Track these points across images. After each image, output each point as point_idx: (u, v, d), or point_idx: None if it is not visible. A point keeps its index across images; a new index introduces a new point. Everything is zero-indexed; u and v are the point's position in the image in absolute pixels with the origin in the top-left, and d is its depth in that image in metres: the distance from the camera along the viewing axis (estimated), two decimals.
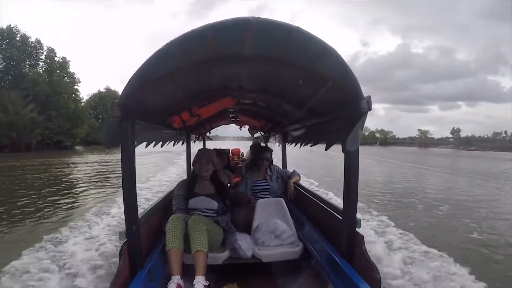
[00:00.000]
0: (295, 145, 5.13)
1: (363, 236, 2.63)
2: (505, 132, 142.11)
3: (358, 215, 2.68)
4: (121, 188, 2.50)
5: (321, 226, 3.47)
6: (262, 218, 3.58)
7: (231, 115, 5.88)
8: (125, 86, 2.17)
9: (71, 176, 18.80)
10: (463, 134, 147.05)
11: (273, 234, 3.41)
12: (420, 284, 4.68)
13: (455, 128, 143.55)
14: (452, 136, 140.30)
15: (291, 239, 3.44)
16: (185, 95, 3.12)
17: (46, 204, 10.24)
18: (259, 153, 4.77)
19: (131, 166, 2.47)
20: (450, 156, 61.19)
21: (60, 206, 10.06)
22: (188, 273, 2.83)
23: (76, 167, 24.18)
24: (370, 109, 2.20)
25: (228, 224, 3.45)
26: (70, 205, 10.21)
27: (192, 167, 3.56)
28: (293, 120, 4.13)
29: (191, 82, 2.72)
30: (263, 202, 3.81)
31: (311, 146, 3.97)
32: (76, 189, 13.65)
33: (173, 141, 4.81)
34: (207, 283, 2.62)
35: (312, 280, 3.15)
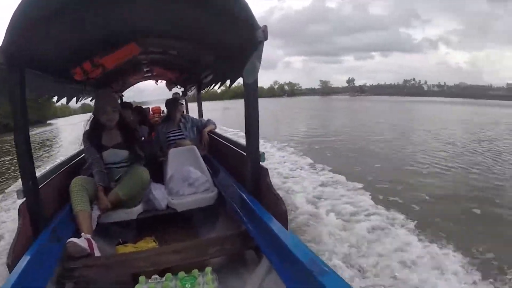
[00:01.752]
0: (209, 88, 4.76)
1: (267, 169, 2.42)
2: (413, 79, 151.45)
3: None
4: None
5: (234, 169, 3.18)
6: (175, 167, 3.20)
7: (145, 69, 5.22)
8: (7, 28, 1.70)
9: None
10: (375, 83, 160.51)
11: (186, 182, 3.05)
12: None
13: (350, 78, 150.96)
14: (348, 85, 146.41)
15: (206, 186, 3.11)
16: (83, 40, 2.56)
17: None
18: (172, 104, 4.34)
19: (23, 119, 2.06)
20: (344, 100, 67.99)
21: None
22: (99, 232, 2.53)
23: None
24: (266, 38, 2.03)
25: None
26: None
27: (92, 116, 2.96)
28: (203, 65, 3.80)
29: (85, 23, 2.21)
30: (175, 151, 3.42)
31: (219, 87, 3.65)
32: None
33: (80, 98, 4.16)
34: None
35: (229, 224, 2.89)
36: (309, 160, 8.45)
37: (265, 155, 2.52)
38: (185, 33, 2.87)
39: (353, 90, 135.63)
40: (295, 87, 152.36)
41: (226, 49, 2.69)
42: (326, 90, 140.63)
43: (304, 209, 4.88)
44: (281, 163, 8.33)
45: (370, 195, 5.59)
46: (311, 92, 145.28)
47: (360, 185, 6.10)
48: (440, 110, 35.88)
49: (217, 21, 2.18)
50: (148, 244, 2.54)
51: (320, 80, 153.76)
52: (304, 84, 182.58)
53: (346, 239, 3.89)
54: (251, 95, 2.31)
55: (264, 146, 10.33)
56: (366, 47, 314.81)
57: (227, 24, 2.14)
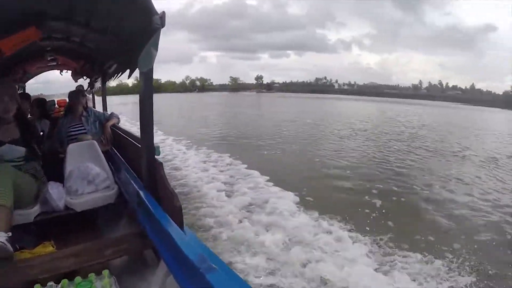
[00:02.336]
0: (114, 78, 4.37)
1: (161, 163, 2.33)
2: (325, 78, 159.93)
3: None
4: None
5: (134, 164, 3.02)
6: (74, 164, 2.93)
7: (48, 57, 4.62)
8: None
9: None
10: (288, 80, 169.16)
11: (85, 180, 2.79)
12: None
13: (259, 75, 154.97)
14: (256, 81, 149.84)
15: (106, 183, 2.87)
16: None
17: None
18: (75, 96, 3.99)
19: None
20: (247, 96, 78.02)
21: None
22: None
23: None
24: (163, 25, 1.92)
25: (39, 172, 2.68)
26: None
27: None
28: (105, 54, 3.57)
29: None
30: (74, 147, 3.15)
31: (120, 76, 3.52)
32: None
33: None
34: (9, 235, 2.01)
35: (128, 223, 2.74)
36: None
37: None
38: (84, 18, 2.65)
39: (260, 87, 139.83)
40: (206, 83, 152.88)
41: (125, 36, 2.53)
42: (235, 86, 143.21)
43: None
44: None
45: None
46: (221, 88, 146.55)
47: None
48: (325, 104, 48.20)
49: (114, 5, 2.05)
50: (46, 248, 2.28)
51: (230, 77, 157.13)
52: (217, 80, 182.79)
53: None
54: (146, 85, 2.19)
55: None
56: (282, 45, 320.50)
57: (125, 8, 2.02)
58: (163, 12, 1.91)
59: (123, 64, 3.25)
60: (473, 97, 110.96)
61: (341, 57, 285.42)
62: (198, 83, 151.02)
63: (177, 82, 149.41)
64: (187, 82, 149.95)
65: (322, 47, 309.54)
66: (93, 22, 2.67)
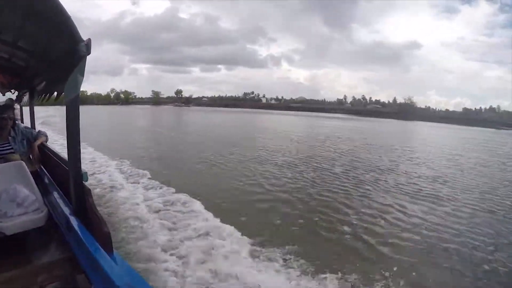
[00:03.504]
0: (42, 98, 4.07)
1: (89, 189, 2.28)
2: (253, 92, 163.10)
3: None
4: None
5: (63, 186, 2.89)
6: (2, 185, 2.70)
7: None
8: None
9: None
10: (216, 94, 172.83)
11: (14, 202, 2.58)
12: None
13: (178, 90, 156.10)
14: (176, 96, 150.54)
15: (35, 205, 2.67)
16: None
17: None
18: (3, 111, 3.61)
19: None
20: (161, 110, 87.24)
21: None
22: None
23: None
24: (89, 52, 1.91)
25: None
26: None
27: None
28: (34, 72, 3.45)
29: None
30: (1, 167, 2.91)
31: (48, 98, 3.31)
32: None
33: None
34: None
35: (60, 246, 2.57)
36: None
37: None
38: (12, 37, 2.53)
39: (179, 100, 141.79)
40: (130, 96, 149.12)
41: (52, 60, 2.48)
42: (156, 100, 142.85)
43: None
44: None
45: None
46: (145, 101, 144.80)
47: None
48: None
49: (41, 31, 2.03)
50: None
51: (152, 90, 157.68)
52: (144, 93, 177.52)
53: None
54: (73, 111, 2.13)
55: None
56: (214, 59, 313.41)
57: (51, 35, 2.00)
58: (89, 39, 1.91)
59: (51, 85, 3.12)
60: (391, 110, 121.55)
61: (271, 72, 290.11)
62: (122, 96, 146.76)
63: (103, 94, 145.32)
64: (112, 94, 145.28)
65: (252, 62, 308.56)
66: (20, 42, 2.57)
